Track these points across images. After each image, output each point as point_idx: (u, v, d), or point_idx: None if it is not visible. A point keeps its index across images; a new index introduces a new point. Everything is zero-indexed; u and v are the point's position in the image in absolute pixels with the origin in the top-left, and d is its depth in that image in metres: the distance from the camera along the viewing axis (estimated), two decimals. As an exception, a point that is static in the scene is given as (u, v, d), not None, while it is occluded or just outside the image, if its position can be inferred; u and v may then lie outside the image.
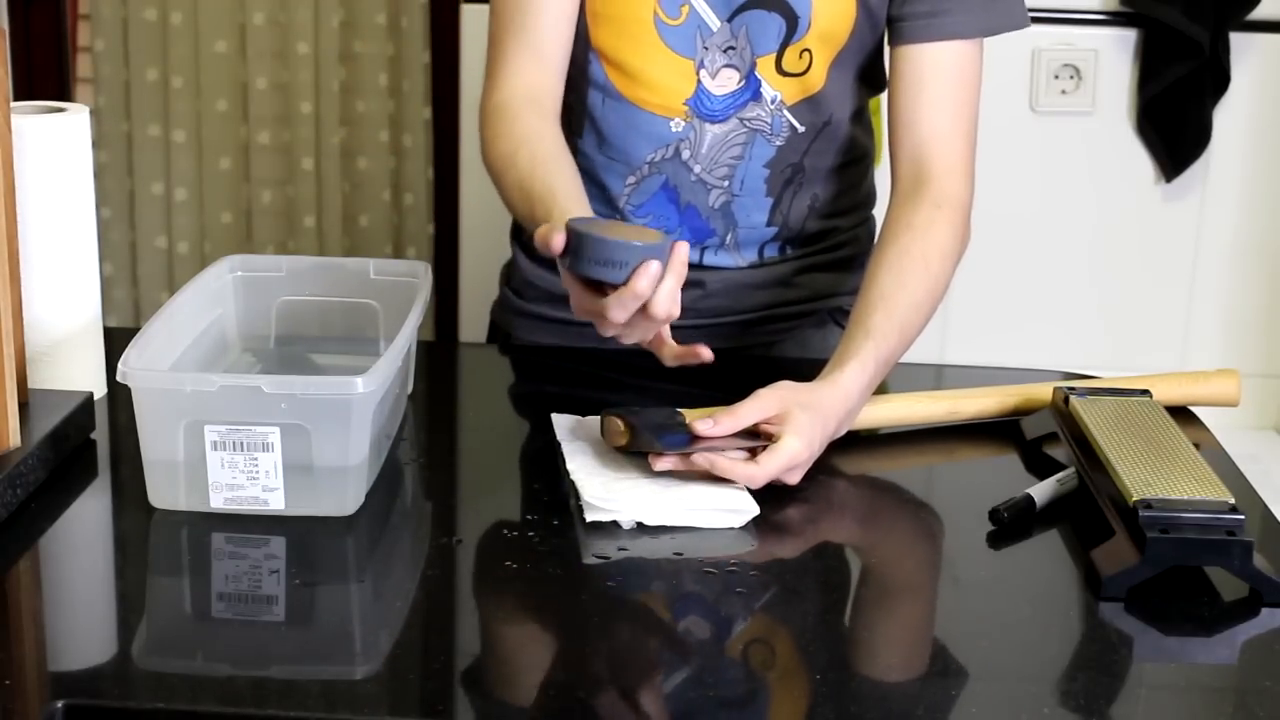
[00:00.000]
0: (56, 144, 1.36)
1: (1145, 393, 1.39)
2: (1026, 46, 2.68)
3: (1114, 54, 2.70)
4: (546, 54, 1.54)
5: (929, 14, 1.52)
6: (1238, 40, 2.66)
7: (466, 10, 2.78)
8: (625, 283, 1.21)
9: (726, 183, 1.59)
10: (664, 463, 1.26)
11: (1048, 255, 2.79)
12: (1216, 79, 2.67)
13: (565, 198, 1.39)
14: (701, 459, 1.25)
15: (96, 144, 3.15)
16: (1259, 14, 2.65)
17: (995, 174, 2.69)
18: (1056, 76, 2.70)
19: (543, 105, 1.53)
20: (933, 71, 1.53)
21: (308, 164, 3.15)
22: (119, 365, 1.19)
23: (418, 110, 3.12)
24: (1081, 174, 2.76)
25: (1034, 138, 2.73)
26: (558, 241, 1.23)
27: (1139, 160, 2.75)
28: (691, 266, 1.63)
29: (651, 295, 1.21)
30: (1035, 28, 2.68)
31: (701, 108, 1.56)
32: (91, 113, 1.78)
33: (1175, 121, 2.69)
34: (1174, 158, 2.72)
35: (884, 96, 1.62)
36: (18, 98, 1.37)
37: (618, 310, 1.23)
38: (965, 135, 1.54)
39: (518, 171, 1.46)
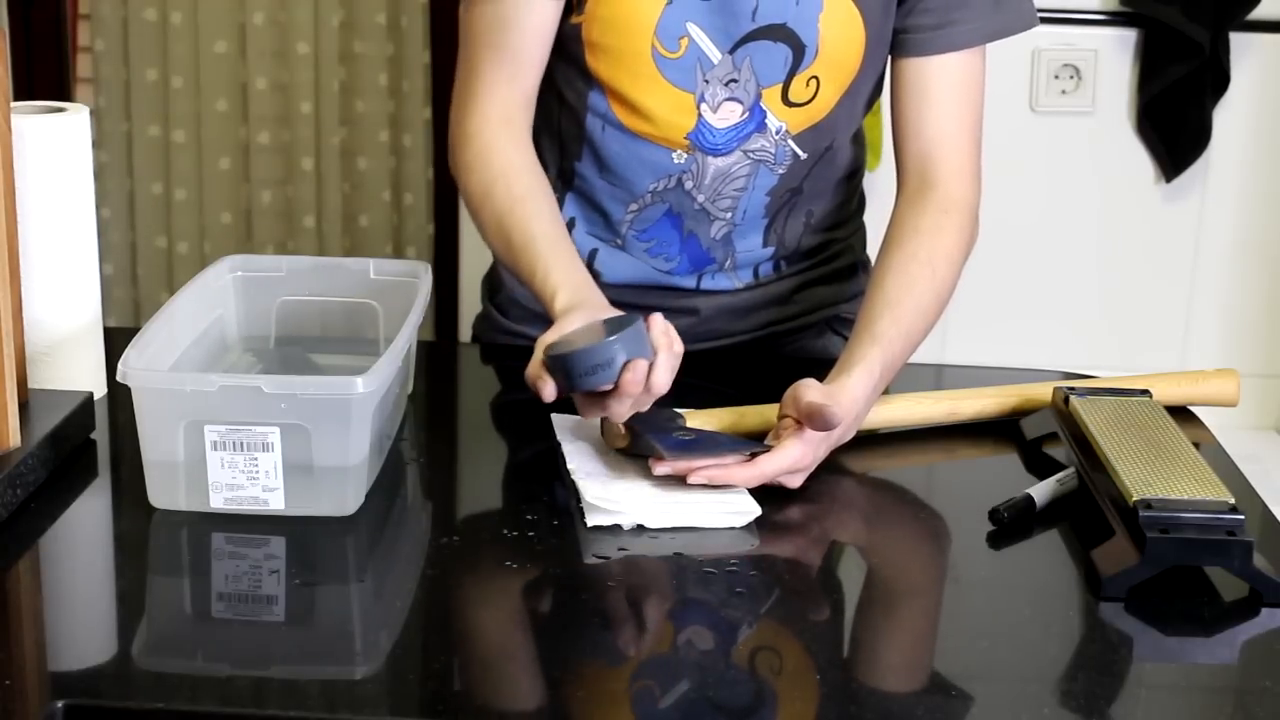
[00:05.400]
0: (56, 144, 1.36)
1: (1145, 393, 1.39)
2: (1026, 46, 2.68)
3: (1114, 54, 2.70)
4: (523, 70, 1.50)
5: (935, 26, 1.49)
6: (1238, 40, 2.66)
7: (466, 10, 2.77)
8: (617, 383, 1.23)
9: (729, 214, 1.57)
10: (664, 468, 1.26)
11: (1048, 255, 2.79)
12: (1216, 79, 2.67)
13: (548, 247, 1.40)
14: (700, 477, 1.25)
15: (96, 144, 3.15)
16: (1259, 14, 2.65)
17: (996, 174, 2.67)
18: (1056, 76, 2.70)
19: (515, 126, 1.50)
20: (938, 80, 1.51)
21: (308, 164, 3.15)
22: (119, 365, 1.19)
23: (418, 110, 3.12)
24: (1082, 174, 2.76)
25: (1034, 138, 2.73)
26: (549, 392, 1.26)
27: (1139, 160, 2.75)
28: (687, 292, 1.62)
29: (647, 379, 1.24)
30: (1035, 28, 2.70)
31: (703, 141, 1.52)
32: (91, 113, 1.78)
33: (1175, 121, 2.69)
34: (1174, 158, 2.72)
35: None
36: (18, 98, 1.37)
37: (620, 408, 1.26)
38: (971, 136, 1.53)
39: (494, 207, 1.46)
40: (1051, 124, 2.73)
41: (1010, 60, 2.67)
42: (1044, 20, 2.65)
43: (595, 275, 1.59)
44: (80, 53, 3.19)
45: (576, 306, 1.34)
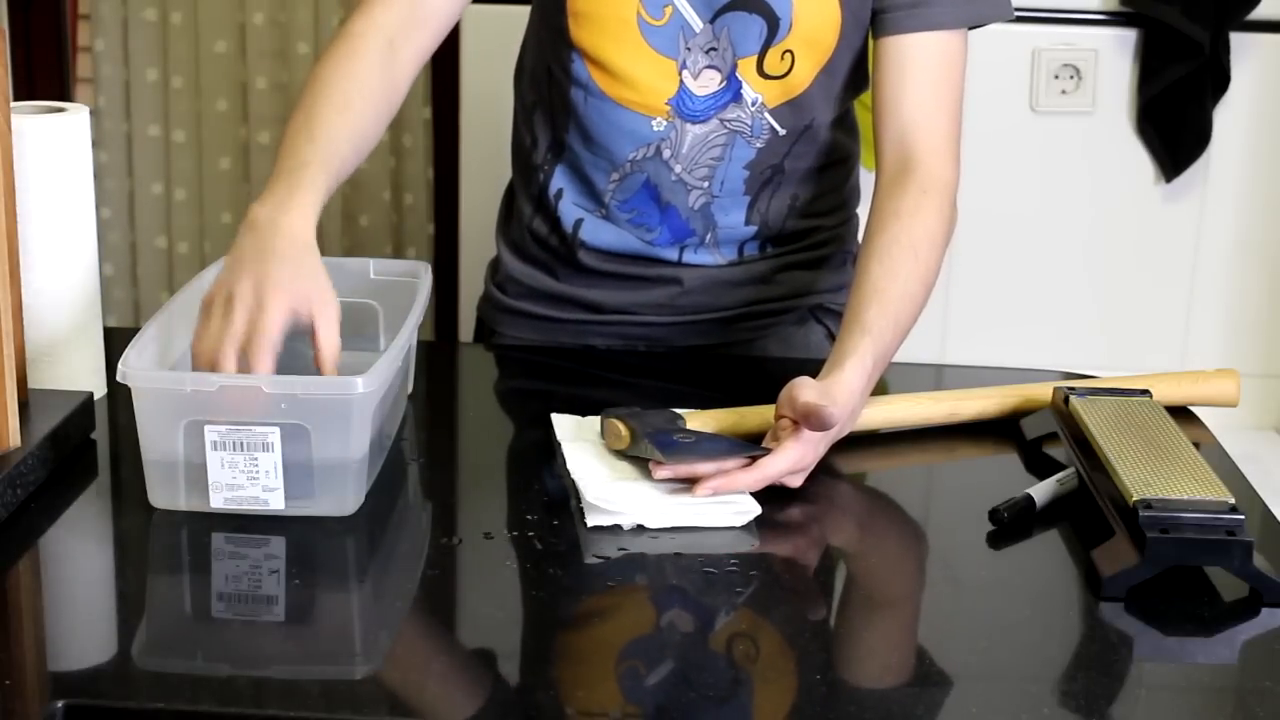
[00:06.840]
0: (56, 144, 1.36)
1: (1145, 393, 1.39)
2: (1026, 46, 2.68)
3: (1114, 54, 2.70)
4: (424, 11, 1.51)
5: (911, 4, 1.51)
6: (1238, 40, 2.66)
7: (466, 10, 2.77)
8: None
9: (706, 184, 1.59)
10: (665, 471, 1.26)
11: (1048, 255, 2.79)
12: (1216, 79, 2.67)
13: (322, 159, 1.37)
14: (705, 490, 1.25)
15: (96, 144, 3.15)
16: (1259, 14, 2.65)
17: (995, 174, 2.69)
18: (1056, 76, 2.70)
19: (396, 49, 1.49)
20: (916, 60, 1.52)
21: (308, 164, 3.14)
22: (119, 365, 1.19)
23: (418, 110, 3.12)
24: (1081, 174, 2.76)
25: (1034, 138, 2.73)
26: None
27: (1139, 160, 2.75)
28: (670, 264, 1.64)
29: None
30: (1035, 28, 2.70)
31: (683, 108, 1.55)
32: (91, 113, 1.78)
33: (1175, 121, 2.69)
34: (1174, 158, 2.72)
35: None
36: (18, 98, 1.37)
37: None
38: (950, 117, 1.53)
39: (317, 104, 1.42)
40: (1051, 124, 2.73)
41: (1010, 60, 2.67)
42: (1044, 20, 2.68)
43: (580, 244, 1.64)
44: (80, 53, 3.18)
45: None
